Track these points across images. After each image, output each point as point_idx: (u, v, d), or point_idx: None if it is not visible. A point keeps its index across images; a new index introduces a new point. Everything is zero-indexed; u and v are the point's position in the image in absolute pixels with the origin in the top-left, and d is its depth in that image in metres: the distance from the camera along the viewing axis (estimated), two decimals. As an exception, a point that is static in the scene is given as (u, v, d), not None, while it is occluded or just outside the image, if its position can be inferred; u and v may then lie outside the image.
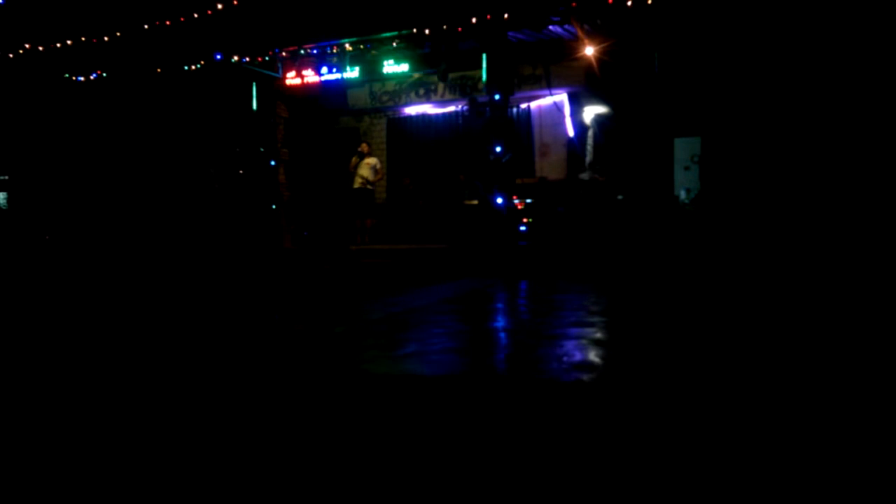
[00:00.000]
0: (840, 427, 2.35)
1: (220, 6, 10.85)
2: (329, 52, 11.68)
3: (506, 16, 9.54)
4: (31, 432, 2.43)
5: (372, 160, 11.66)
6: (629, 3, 8.85)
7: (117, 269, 9.84)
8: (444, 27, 10.32)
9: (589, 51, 10.27)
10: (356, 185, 11.56)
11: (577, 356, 3.50)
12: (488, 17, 9.66)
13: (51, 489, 1.92)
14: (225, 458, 2.11)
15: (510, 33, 10.23)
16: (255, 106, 12.73)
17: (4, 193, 14.78)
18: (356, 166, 11.60)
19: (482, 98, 10.35)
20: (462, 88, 12.03)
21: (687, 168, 10.69)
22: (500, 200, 9.62)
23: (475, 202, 10.43)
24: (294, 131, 13.33)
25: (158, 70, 12.34)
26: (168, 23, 11.25)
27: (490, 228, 9.67)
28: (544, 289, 6.90)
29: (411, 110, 13.05)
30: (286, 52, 11.74)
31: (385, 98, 12.89)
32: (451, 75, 11.92)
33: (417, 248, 10.41)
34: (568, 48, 10.63)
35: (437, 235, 11.46)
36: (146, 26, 11.32)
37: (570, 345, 3.78)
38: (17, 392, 3.04)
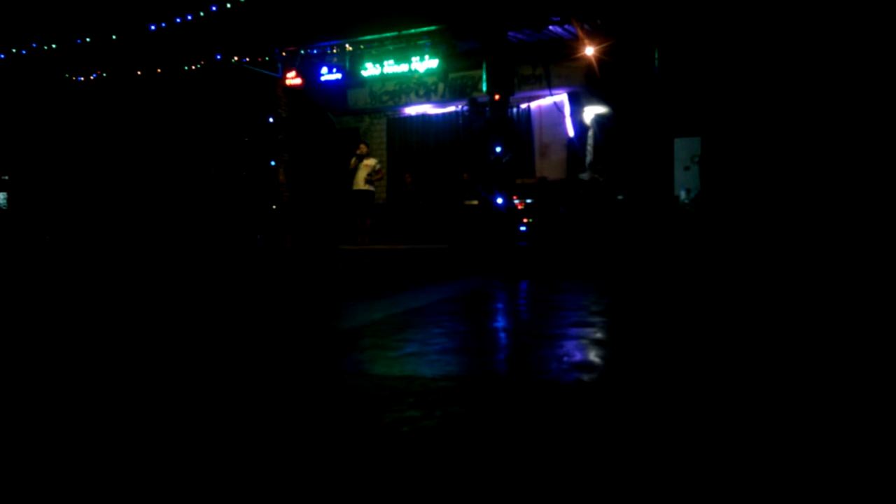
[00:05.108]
0: (839, 427, 2.35)
1: (220, 6, 10.84)
2: (329, 52, 11.68)
3: (506, 16, 9.53)
4: (31, 431, 2.43)
5: (371, 161, 11.65)
6: (629, 3, 8.85)
7: (117, 269, 9.83)
8: (444, 27, 10.32)
9: (589, 51, 10.27)
10: (355, 187, 11.55)
11: (578, 356, 3.50)
12: (488, 17, 9.66)
13: (49, 488, 1.92)
14: (222, 459, 2.11)
15: (510, 33, 10.23)
16: (255, 106, 12.73)
17: (4, 193, 14.78)
18: (355, 167, 11.59)
19: (482, 98, 10.34)
20: (462, 88, 12.02)
21: (687, 168, 10.68)
22: (500, 200, 9.62)
23: (475, 202, 10.43)
24: (294, 131, 13.32)
25: (158, 70, 12.34)
26: (168, 23, 11.25)
27: (490, 228, 9.66)
28: (544, 289, 6.90)
29: (411, 110, 13.05)
30: (286, 52, 11.74)
31: (385, 98, 12.89)
32: (451, 75, 11.93)
33: (418, 249, 10.41)
34: (568, 48, 10.63)
35: (437, 235, 11.46)
36: (146, 26, 11.32)
37: (570, 345, 3.78)
38: (18, 391, 3.04)
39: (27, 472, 2.04)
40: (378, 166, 11.80)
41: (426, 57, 11.22)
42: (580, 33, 10.09)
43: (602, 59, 10.28)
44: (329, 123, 13.10)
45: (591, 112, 11.05)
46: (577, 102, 11.27)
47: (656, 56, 9.66)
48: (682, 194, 10.52)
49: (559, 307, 5.38)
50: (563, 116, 11.46)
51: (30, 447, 2.27)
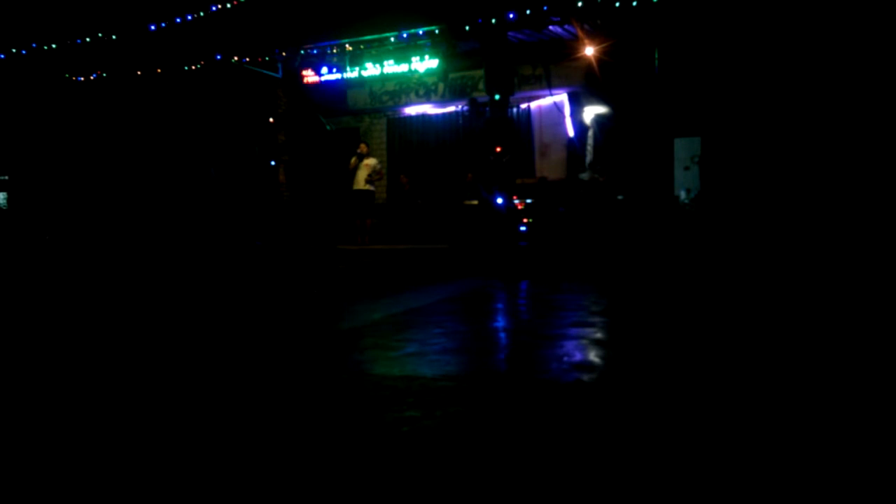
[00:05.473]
0: (839, 428, 2.35)
1: (220, 6, 10.85)
2: (329, 52, 11.68)
3: (506, 16, 9.54)
4: (32, 431, 2.43)
5: (371, 161, 11.64)
6: (629, 3, 8.85)
7: (117, 270, 9.83)
8: (444, 27, 10.32)
9: (589, 51, 10.27)
10: (356, 187, 11.54)
11: (578, 356, 3.50)
12: (488, 17, 9.66)
13: (52, 488, 1.92)
14: (224, 458, 2.11)
15: (510, 33, 10.23)
16: (255, 106, 12.73)
17: (4, 193, 14.78)
18: (356, 167, 11.58)
19: (482, 98, 10.34)
20: (462, 88, 12.02)
21: (687, 168, 10.68)
22: (500, 200, 9.62)
23: (475, 202, 10.43)
24: (294, 131, 13.33)
25: (158, 70, 12.34)
26: (168, 23, 11.25)
27: (490, 228, 9.66)
28: (544, 289, 6.90)
29: (411, 110, 13.05)
30: (286, 52, 11.74)
31: (385, 98, 12.88)
32: (451, 75, 11.93)
33: (418, 249, 10.41)
34: (568, 48, 10.63)
35: (437, 235, 11.45)
36: (146, 26, 11.32)
37: (570, 345, 3.78)
38: (19, 390, 3.04)
39: (28, 472, 2.04)
40: (378, 166, 11.79)
41: (426, 57, 11.24)
42: (580, 33, 10.09)
43: (602, 59, 10.28)
44: (319, 126, 13.08)
45: (591, 112, 11.05)
46: (577, 102, 11.27)
47: (656, 56, 9.66)
48: (682, 194, 10.52)
49: (559, 307, 5.38)
50: (563, 116, 11.46)
51: (32, 446, 2.27)
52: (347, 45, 11.41)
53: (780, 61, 8.85)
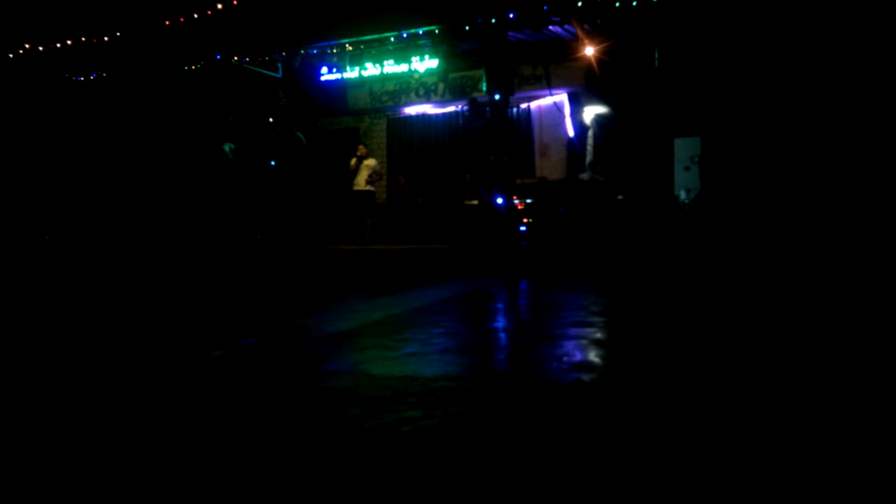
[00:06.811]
0: (840, 428, 2.35)
1: (220, 6, 10.85)
2: (329, 52, 11.69)
3: (506, 16, 9.55)
4: (30, 433, 2.43)
5: (371, 161, 11.66)
6: (629, 3, 8.86)
7: (117, 270, 9.83)
8: (444, 27, 10.33)
9: (589, 51, 10.29)
10: (356, 187, 11.55)
11: (578, 356, 3.50)
12: (488, 17, 9.67)
13: (46, 487, 1.92)
14: (222, 459, 2.11)
15: (510, 33, 10.24)
16: (255, 106, 12.74)
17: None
18: (356, 168, 11.59)
19: (482, 98, 10.36)
20: (462, 88, 12.04)
21: (687, 168, 10.69)
22: (500, 200, 9.63)
23: (475, 202, 10.44)
24: (294, 131, 13.33)
25: (158, 70, 12.35)
26: (168, 23, 11.26)
27: (490, 228, 9.67)
28: (544, 289, 6.90)
29: (411, 110, 13.06)
30: (286, 52, 11.75)
31: (385, 98, 12.90)
32: (451, 75, 11.95)
33: (418, 249, 10.41)
34: (568, 48, 10.65)
35: (437, 235, 11.47)
36: (146, 26, 11.33)
37: (570, 345, 3.78)
38: (16, 392, 3.04)
39: (17, 475, 2.04)
40: (378, 167, 11.80)
41: (426, 57, 11.26)
42: (580, 33, 10.11)
43: (602, 59, 10.29)
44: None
45: (591, 112, 11.06)
46: (577, 102, 11.28)
47: (656, 56, 9.67)
48: (682, 194, 10.53)
49: (559, 307, 5.38)
50: (563, 116, 11.47)
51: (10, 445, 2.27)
52: (347, 45, 11.43)
53: (779, 61, 8.86)
